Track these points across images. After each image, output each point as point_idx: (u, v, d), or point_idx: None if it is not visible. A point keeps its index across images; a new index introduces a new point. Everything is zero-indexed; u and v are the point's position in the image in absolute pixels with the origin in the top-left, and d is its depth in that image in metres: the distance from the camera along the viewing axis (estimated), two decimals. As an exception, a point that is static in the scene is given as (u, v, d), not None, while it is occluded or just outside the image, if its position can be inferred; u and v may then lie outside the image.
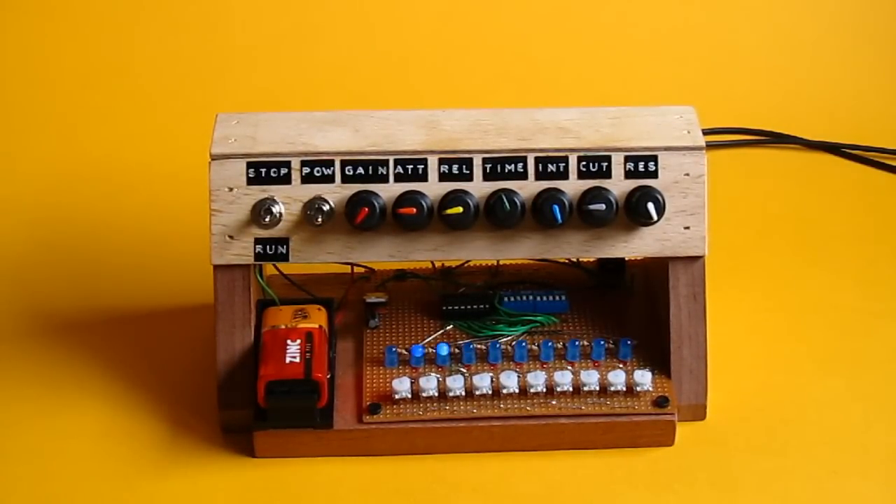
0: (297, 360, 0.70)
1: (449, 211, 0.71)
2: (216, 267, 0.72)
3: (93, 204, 0.92)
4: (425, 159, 0.71)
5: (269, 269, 0.77)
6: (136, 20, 1.05)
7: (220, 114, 0.74)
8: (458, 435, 0.71)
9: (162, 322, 0.81)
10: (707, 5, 1.06)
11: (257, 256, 0.72)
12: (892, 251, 0.87)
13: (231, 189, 0.71)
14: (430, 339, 0.75)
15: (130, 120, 0.99)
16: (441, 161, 0.71)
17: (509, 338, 0.75)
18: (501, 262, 0.80)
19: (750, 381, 0.76)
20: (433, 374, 0.72)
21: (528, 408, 0.71)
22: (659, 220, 0.71)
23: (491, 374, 0.72)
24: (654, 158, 0.71)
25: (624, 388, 0.71)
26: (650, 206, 0.70)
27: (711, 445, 0.72)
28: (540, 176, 0.71)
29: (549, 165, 0.71)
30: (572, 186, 0.71)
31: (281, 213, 0.71)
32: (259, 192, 0.71)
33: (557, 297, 0.77)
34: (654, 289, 0.77)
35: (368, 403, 0.71)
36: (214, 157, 0.72)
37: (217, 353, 0.73)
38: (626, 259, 0.78)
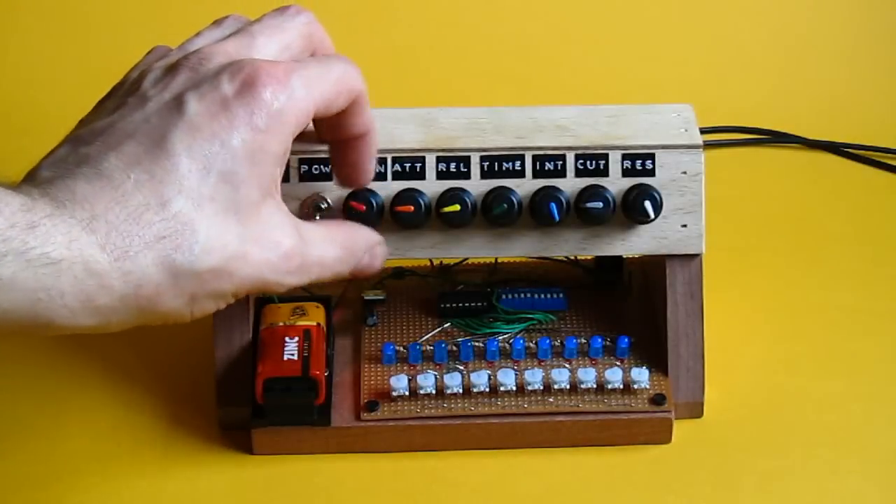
0: (295, 357, 0.70)
1: (447, 209, 0.71)
2: (214, 264, 0.73)
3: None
4: (423, 157, 0.71)
5: (268, 267, 0.77)
6: (136, 21, 1.05)
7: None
8: (456, 432, 0.71)
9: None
10: (707, 5, 1.06)
11: (255, 254, 0.72)
12: (892, 251, 0.87)
13: (230, 187, 0.71)
14: (428, 336, 0.75)
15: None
16: (439, 159, 0.71)
17: (507, 335, 0.75)
18: (499, 260, 0.80)
19: (749, 379, 0.76)
20: (431, 372, 0.72)
21: (526, 405, 0.71)
22: (656, 218, 0.71)
23: (488, 371, 0.72)
24: (652, 156, 0.71)
25: (621, 386, 0.71)
26: (647, 204, 0.70)
27: (709, 443, 0.72)
28: (537, 174, 0.71)
29: (547, 163, 0.71)
30: (570, 184, 0.71)
31: (279, 211, 0.71)
32: (257, 190, 0.71)
33: (555, 295, 0.77)
34: (652, 287, 0.77)
35: (366, 401, 0.71)
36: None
37: (215, 351, 0.73)
38: (624, 257, 0.78)
